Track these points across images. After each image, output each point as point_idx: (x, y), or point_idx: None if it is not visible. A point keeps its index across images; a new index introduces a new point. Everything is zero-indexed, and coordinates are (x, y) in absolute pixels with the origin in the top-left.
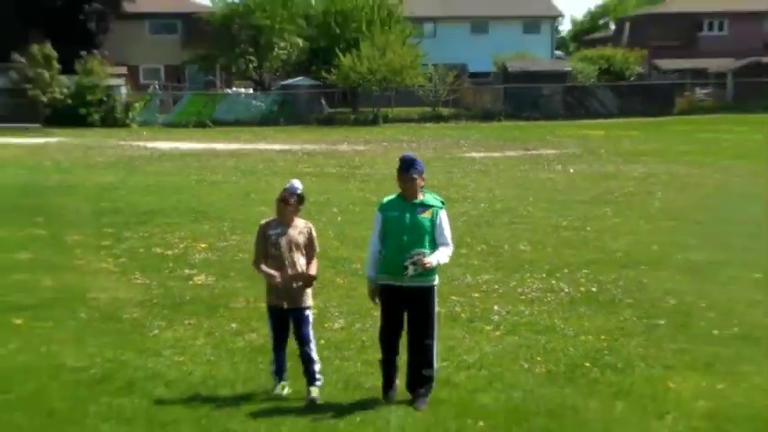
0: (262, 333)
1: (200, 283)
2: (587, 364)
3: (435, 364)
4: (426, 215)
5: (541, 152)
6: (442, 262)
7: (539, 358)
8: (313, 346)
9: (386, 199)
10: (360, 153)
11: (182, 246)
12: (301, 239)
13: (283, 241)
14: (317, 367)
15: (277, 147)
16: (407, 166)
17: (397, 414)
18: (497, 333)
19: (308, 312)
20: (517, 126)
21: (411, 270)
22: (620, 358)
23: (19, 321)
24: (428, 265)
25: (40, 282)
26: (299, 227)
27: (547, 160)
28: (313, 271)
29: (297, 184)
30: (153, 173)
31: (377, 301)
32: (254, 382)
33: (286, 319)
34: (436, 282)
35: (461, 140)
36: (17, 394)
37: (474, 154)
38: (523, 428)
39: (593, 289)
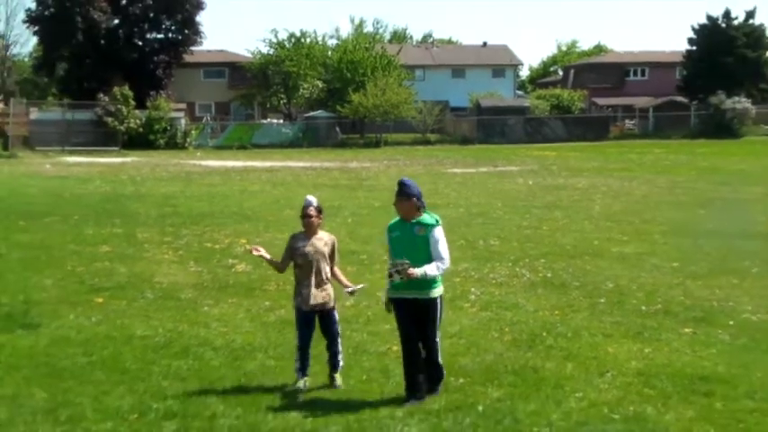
0: (289, 309)
1: (240, 270)
2: (544, 334)
3: (440, 360)
4: (422, 233)
5: (507, 168)
6: (429, 274)
7: (506, 329)
8: (339, 339)
9: (392, 221)
10: (366, 169)
11: (227, 241)
12: (326, 249)
13: (310, 251)
14: (341, 357)
15: (301, 164)
16: (400, 191)
17: (395, 372)
18: (473, 309)
19: (333, 311)
20: (488, 149)
21: (396, 278)
22: (570, 329)
23: (100, 300)
24: (411, 275)
25: (116, 269)
26: (324, 239)
27: (511, 175)
28: (346, 282)
29: (311, 198)
30: (205, 184)
31: (390, 310)
32: (283, 348)
33: (313, 318)
34: (436, 294)
35: (445, 160)
36: (98, 356)
37: (455, 170)
38: (495, 384)
39: (549, 275)
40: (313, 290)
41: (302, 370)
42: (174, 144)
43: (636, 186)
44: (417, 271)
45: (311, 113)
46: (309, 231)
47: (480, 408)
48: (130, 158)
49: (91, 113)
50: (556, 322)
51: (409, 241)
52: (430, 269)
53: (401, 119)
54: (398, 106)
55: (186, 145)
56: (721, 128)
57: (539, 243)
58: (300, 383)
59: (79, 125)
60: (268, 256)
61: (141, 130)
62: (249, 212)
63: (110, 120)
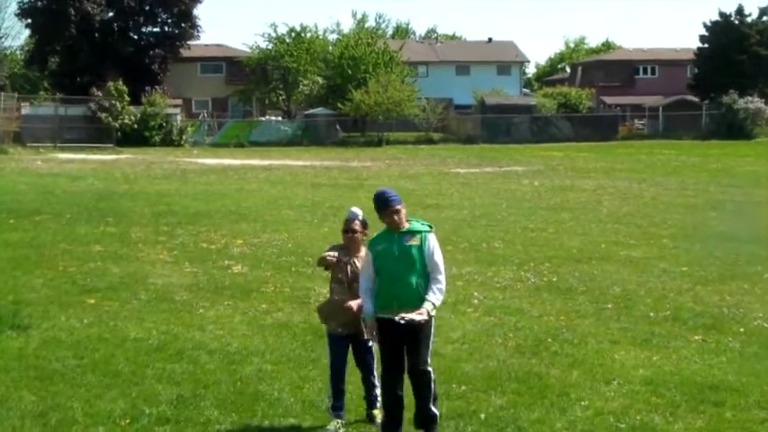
0: (286, 312)
1: (237, 271)
2: (549, 340)
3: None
4: (414, 242)
5: (512, 169)
6: (437, 304)
7: (510, 335)
8: (375, 372)
9: (374, 235)
10: (367, 168)
11: (223, 241)
12: None
13: (350, 270)
14: (378, 392)
15: (300, 163)
16: (386, 202)
17: None
18: (476, 314)
19: (370, 343)
20: (493, 148)
21: (405, 321)
22: (576, 335)
23: (92, 301)
24: (423, 319)
25: (109, 269)
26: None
27: (516, 175)
28: None
29: (356, 210)
30: (201, 183)
31: (375, 334)
32: (279, 352)
33: (346, 345)
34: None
35: (448, 159)
36: (90, 359)
37: (458, 170)
38: (498, 391)
39: (554, 279)
40: (347, 314)
41: (336, 409)
42: (169, 141)
43: (645, 188)
44: (424, 312)
45: (311, 111)
46: (352, 248)
47: (483, 416)
48: (125, 155)
49: (84, 109)
50: (561, 328)
51: (401, 253)
52: (436, 299)
53: (403, 117)
54: (401, 104)
55: (182, 142)
56: (733, 128)
57: (544, 246)
58: (332, 426)
59: (72, 121)
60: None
61: (136, 126)
62: (246, 212)
63: (103, 115)
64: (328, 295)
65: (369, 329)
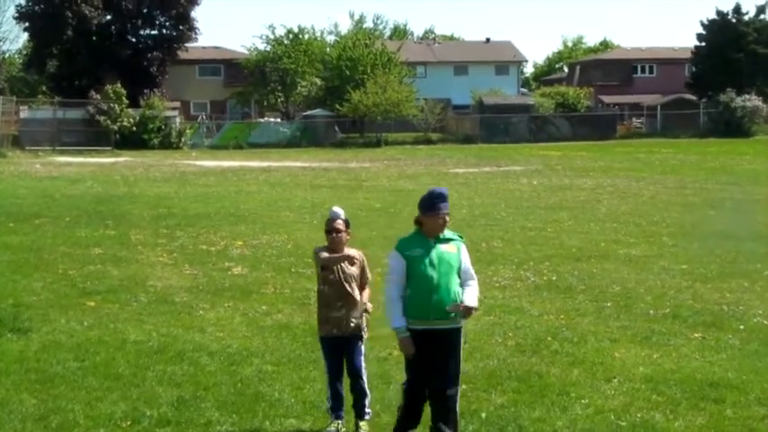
0: (286, 314)
1: (236, 273)
2: (549, 338)
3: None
4: (452, 249)
5: (511, 168)
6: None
7: (510, 334)
8: (365, 377)
9: (402, 239)
10: (366, 169)
11: (222, 243)
12: (355, 270)
13: (339, 270)
14: (368, 401)
15: (299, 164)
16: (439, 208)
17: (396, 378)
18: (476, 313)
19: (360, 342)
20: (491, 148)
21: (460, 311)
22: (576, 333)
23: (92, 303)
24: (472, 310)
25: (109, 272)
26: (353, 257)
27: (515, 175)
28: (366, 299)
29: (337, 209)
30: (200, 185)
31: (410, 349)
32: (279, 353)
33: (340, 346)
34: (463, 322)
35: (447, 159)
36: (90, 362)
37: (457, 170)
38: (498, 390)
39: (554, 278)
40: (341, 315)
41: (335, 411)
42: (168, 144)
43: (643, 187)
44: (474, 302)
45: (309, 112)
46: (336, 249)
47: (483, 414)
48: (123, 158)
49: (82, 112)
50: (561, 327)
51: (440, 261)
52: (476, 300)
53: (402, 117)
54: (399, 104)
55: (181, 144)
56: (731, 126)
57: (543, 245)
58: (332, 427)
59: (70, 124)
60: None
61: (134, 129)
62: (245, 214)
63: (102, 118)
64: (317, 299)
65: (405, 345)
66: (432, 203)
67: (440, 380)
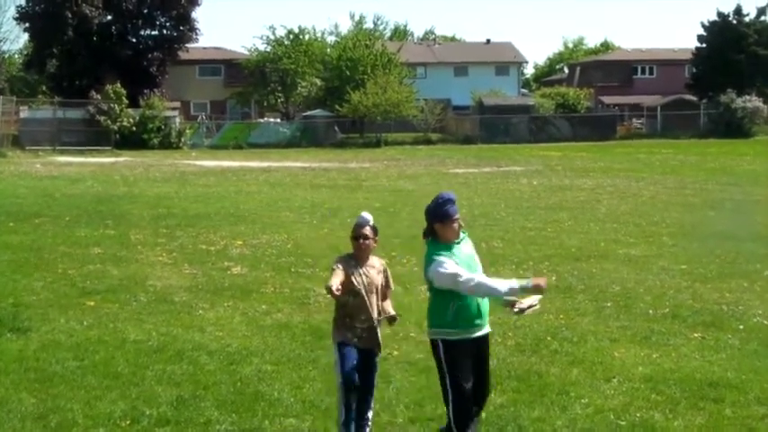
0: (286, 313)
1: (236, 272)
2: (549, 338)
3: None
4: (470, 249)
5: (511, 169)
6: None
7: (510, 333)
8: (373, 392)
9: (436, 250)
10: (365, 169)
11: (222, 243)
12: (380, 279)
13: (364, 282)
14: (371, 414)
15: (299, 164)
16: (452, 204)
17: (396, 377)
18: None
19: (377, 358)
20: (491, 148)
21: (529, 309)
22: (575, 333)
23: (92, 303)
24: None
25: (108, 271)
26: (377, 266)
27: (515, 175)
28: (390, 309)
29: (367, 215)
30: (200, 185)
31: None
32: (279, 352)
33: (358, 359)
34: None
35: (447, 160)
36: (90, 361)
37: (457, 170)
38: (498, 390)
39: (553, 277)
40: (364, 327)
41: (348, 424)
42: (168, 144)
43: (643, 187)
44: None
45: (309, 112)
46: (362, 257)
47: (483, 414)
48: (123, 158)
49: (83, 112)
50: (561, 326)
51: (470, 264)
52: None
53: (402, 118)
54: (399, 105)
55: (181, 144)
56: (731, 127)
57: (543, 245)
58: None
59: (70, 124)
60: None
61: (134, 129)
62: (245, 214)
63: (102, 118)
64: (337, 307)
65: (536, 284)
66: (444, 210)
67: (486, 387)
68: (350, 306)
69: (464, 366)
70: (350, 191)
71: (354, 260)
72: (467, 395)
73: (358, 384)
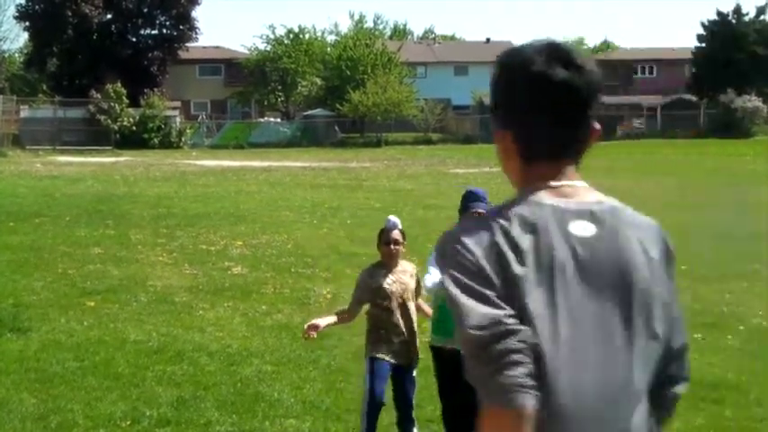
0: (286, 313)
1: (236, 273)
2: None
3: None
4: None
5: None
6: None
7: None
8: (413, 406)
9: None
10: (366, 169)
11: (222, 243)
12: (413, 284)
13: (396, 289)
14: (416, 429)
15: (299, 164)
16: (473, 200)
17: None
18: None
19: (414, 371)
20: (491, 148)
21: None
22: None
23: (92, 303)
24: None
25: (109, 271)
26: (409, 270)
27: None
28: (427, 309)
29: (394, 218)
30: (200, 185)
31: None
32: (279, 353)
33: (388, 375)
34: None
35: (447, 159)
36: (90, 361)
37: (457, 170)
38: None
39: None
40: (401, 341)
41: None
42: (168, 143)
43: (643, 187)
44: None
45: (310, 112)
46: (391, 263)
47: None
48: (123, 158)
49: (83, 111)
50: None
51: None
52: None
53: (402, 117)
54: (399, 104)
55: (181, 144)
56: (731, 127)
57: None
58: None
59: (71, 123)
60: (326, 323)
61: (135, 128)
62: (246, 213)
63: (102, 118)
64: (369, 320)
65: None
66: (464, 206)
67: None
68: (377, 317)
69: (453, 377)
70: (350, 190)
71: (384, 268)
72: (454, 406)
73: (384, 404)
